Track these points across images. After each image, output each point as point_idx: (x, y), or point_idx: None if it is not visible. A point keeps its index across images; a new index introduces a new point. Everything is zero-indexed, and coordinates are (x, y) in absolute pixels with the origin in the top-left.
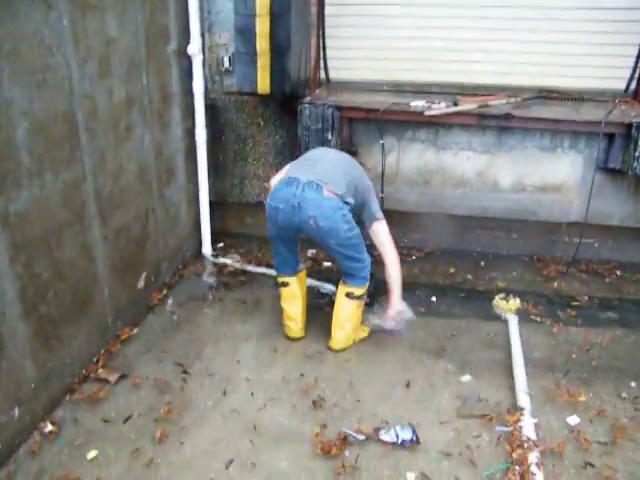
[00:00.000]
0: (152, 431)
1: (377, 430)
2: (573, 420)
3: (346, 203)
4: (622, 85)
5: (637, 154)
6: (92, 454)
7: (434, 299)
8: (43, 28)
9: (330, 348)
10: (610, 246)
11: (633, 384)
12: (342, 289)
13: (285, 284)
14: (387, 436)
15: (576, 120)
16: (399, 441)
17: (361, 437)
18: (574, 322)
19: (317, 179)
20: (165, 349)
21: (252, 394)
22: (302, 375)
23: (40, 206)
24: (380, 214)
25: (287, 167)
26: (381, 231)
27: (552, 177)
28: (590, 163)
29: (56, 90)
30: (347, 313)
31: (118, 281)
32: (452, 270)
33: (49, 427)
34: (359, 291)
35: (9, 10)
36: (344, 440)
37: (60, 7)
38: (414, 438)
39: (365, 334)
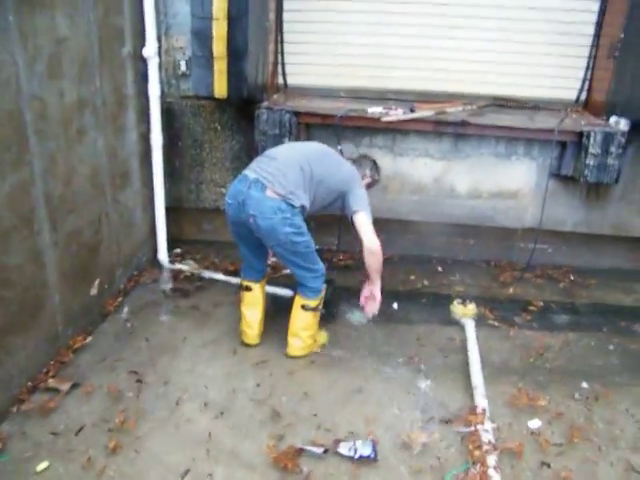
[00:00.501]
0: (105, 442)
1: (337, 442)
2: (534, 424)
3: (291, 205)
4: (574, 95)
5: (587, 162)
6: (42, 466)
7: (395, 306)
8: None
9: (287, 355)
10: (563, 251)
11: (585, 385)
12: (298, 300)
13: (248, 289)
14: (345, 449)
15: (530, 128)
16: (356, 456)
17: (319, 450)
18: (529, 326)
19: (263, 178)
20: (119, 358)
21: (206, 404)
22: (258, 385)
23: None
24: (358, 207)
25: None
26: (359, 223)
27: (507, 183)
28: (544, 170)
29: (2, 89)
30: (302, 323)
31: (70, 288)
32: (410, 276)
33: None
34: (313, 302)
35: None
36: (300, 452)
37: (6, 3)
38: (372, 455)
39: (324, 340)
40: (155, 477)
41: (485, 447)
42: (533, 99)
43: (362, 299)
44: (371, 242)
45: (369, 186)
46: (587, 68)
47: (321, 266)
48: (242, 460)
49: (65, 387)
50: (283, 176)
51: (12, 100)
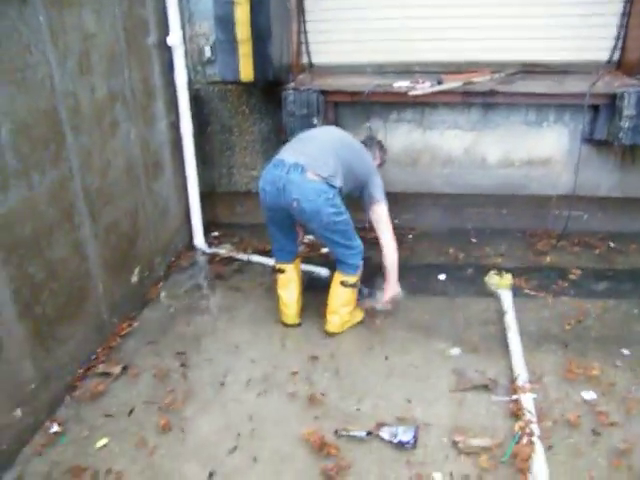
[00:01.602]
0: (155, 422)
1: (380, 425)
2: (586, 394)
3: (332, 186)
4: (605, 56)
5: (622, 124)
6: (102, 442)
7: (442, 277)
8: (19, 25)
9: (326, 332)
10: (599, 217)
11: (626, 351)
12: (337, 277)
13: (282, 271)
14: (387, 434)
15: (560, 93)
16: (396, 440)
17: (362, 433)
18: (567, 294)
19: (302, 161)
20: (164, 341)
21: (250, 384)
22: (300, 363)
23: (29, 206)
24: (379, 196)
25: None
26: (378, 214)
27: (539, 151)
28: (576, 135)
29: (37, 88)
30: (342, 300)
31: (112, 277)
32: (445, 249)
33: (54, 427)
34: (353, 279)
35: None
36: (343, 434)
37: (35, 3)
38: (412, 442)
39: (361, 317)
40: (203, 455)
41: (529, 417)
42: (563, 63)
43: (385, 297)
44: (391, 236)
45: (378, 167)
46: (620, 26)
47: (359, 242)
48: (286, 440)
49: (115, 370)
50: (322, 159)
51: (47, 99)
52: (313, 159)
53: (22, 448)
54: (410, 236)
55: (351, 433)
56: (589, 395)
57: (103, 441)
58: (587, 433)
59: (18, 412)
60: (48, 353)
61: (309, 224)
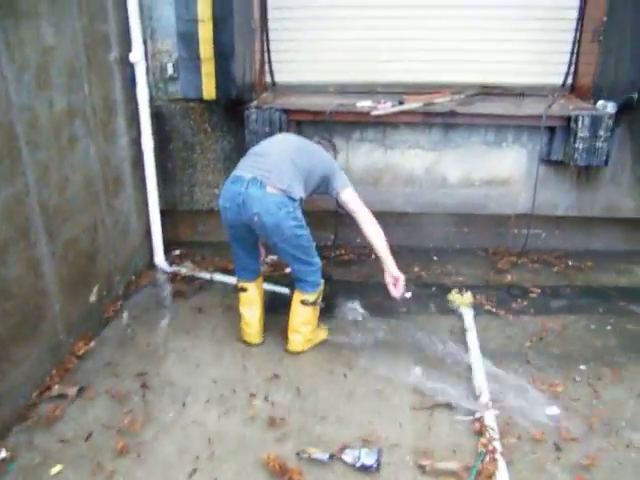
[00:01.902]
0: (113, 446)
1: (343, 448)
2: (550, 410)
3: (292, 199)
4: (560, 80)
5: (577, 145)
6: (56, 469)
7: (408, 295)
8: None
9: (288, 351)
10: (557, 235)
11: (583, 367)
12: (297, 296)
13: (244, 289)
14: (349, 457)
15: (518, 115)
16: (358, 464)
17: (324, 456)
18: (527, 311)
19: (260, 175)
20: (123, 362)
21: (210, 405)
22: (261, 383)
23: None
24: (343, 183)
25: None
26: (349, 199)
27: (499, 171)
28: (534, 156)
29: None
30: (302, 318)
31: (69, 296)
32: (407, 267)
33: (2, 453)
34: (312, 297)
35: None
36: (304, 457)
37: None
38: (375, 465)
39: (324, 335)
40: (162, 479)
41: (491, 434)
42: (520, 86)
43: (390, 288)
44: (369, 218)
45: None
46: (572, 52)
47: (318, 260)
48: (247, 463)
49: (72, 392)
50: (279, 171)
51: (2, 113)
52: (271, 172)
53: None
54: (373, 256)
55: (313, 456)
56: (552, 411)
57: (57, 468)
58: (550, 449)
59: None
60: (1, 375)
61: (270, 239)
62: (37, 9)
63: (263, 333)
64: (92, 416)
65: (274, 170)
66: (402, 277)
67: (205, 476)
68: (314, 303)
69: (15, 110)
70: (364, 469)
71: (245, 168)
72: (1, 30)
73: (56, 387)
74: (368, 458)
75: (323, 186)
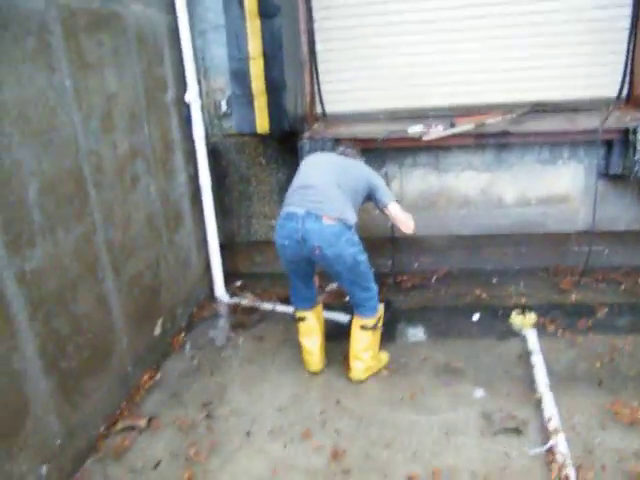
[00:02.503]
0: (180, 475)
1: None
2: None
3: (348, 226)
4: (614, 92)
5: (636, 158)
6: None
7: (475, 317)
8: (47, 90)
9: (351, 379)
10: (621, 252)
11: None
12: (356, 322)
13: (302, 319)
14: None
15: (573, 130)
16: None
17: None
18: (594, 331)
19: (313, 208)
20: (188, 393)
21: (275, 434)
22: (324, 412)
23: (54, 262)
24: (387, 199)
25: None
26: (393, 215)
27: (555, 188)
28: (592, 171)
29: (63, 148)
30: (363, 344)
31: (135, 330)
32: (466, 290)
33: None
34: (372, 321)
35: (15, 75)
36: None
37: (62, 69)
38: None
39: (385, 360)
40: None
41: (562, 462)
42: (573, 101)
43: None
44: (404, 217)
45: None
46: (626, 63)
47: (375, 285)
48: None
49: (141, 424)
50: (329, 200)
51: (72, 158)
52: (322, 203)
53: None
54: (433, 279)
55: None
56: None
57: None
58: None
59: (44, 469)
60: (73, 408)
61: (332, 268)
62: (102, 60)
63: (324, 361)
64: (160, 446)
65: (325, 200)
66: (410, 224)
67: None
68: (374, 327)
69: (83, 154)
70: None
71: (295, 203)
72: (72, 81)
73: (125, 419)
74: None
75: (368, 197)
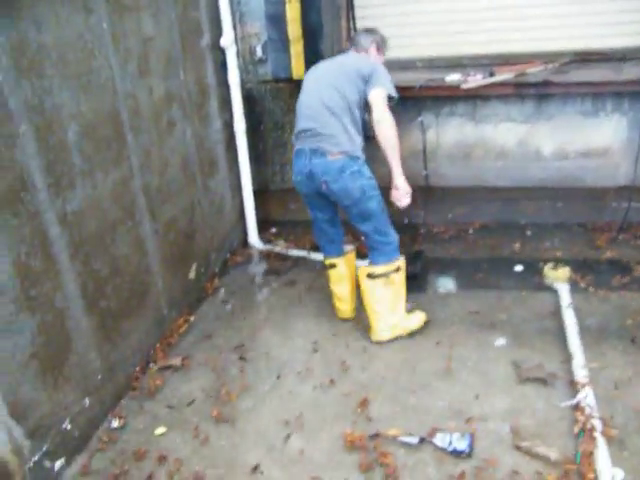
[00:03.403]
0: (212, 413)
1: (434, 431)
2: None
3: (354, 158)
4: None
5: None
6: (160, 430)
7: (519, 268)
8: (85, 32)
9: (372, 341)
10: None
11: None
12: (362, 271)
13: (332, 266)
14: (440, 441)
15: (617, 81)
16: (450, 449)
17: (414, 440)
18: (628, 288)
19: (317, 145)
20: (221, 336)
21: (305, 378)
22: (355, 355)
23: (94, 204)
24: (376, 83)
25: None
26: (372, 99)
27: (596, 142)
28: (635, 124)
29: (101, 91)
30: (375, 296)
31: (170, 273)
32: (500, 242)
33: (115, 422)
34: (381, 269)
35: (54, 17)
36: (394, 439)
37: (99, 11)
38: (467, 450)
39: (420, 322)
40: (259, 444)
41: (589, 415)
42: (620, 49)
43: (394, 199)
44: (380, 113)
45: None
46: None
47: (395, 236)
48: (338, 437)
49: (175, 363)
50: (328, 135)
51: (110, 101)
52: (322, 141)
53: (91, 435)
54: (470, 231)
55: (403, 439)
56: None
57: (161, 430)
58: None
59: (86, 401)
60: (113, 346)
61: (342, 203)
62: (139, 2)
63: (355, 307)
64: (194, 386)
65: (323, 136)
66: (408, 190)
67: (300, 442)
68: (382, 276)
69: (120, 98)
70: (456, 454)
71: (302, 139)
72: (109, 24)
73: (161, 359)
74: (460, 443)
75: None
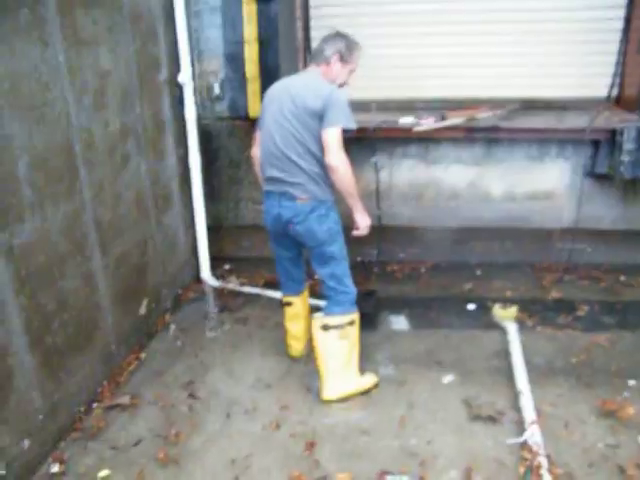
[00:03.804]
0: (160, 455)
1: (383, 475)
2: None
3: (321, 201)
4: (604, 92)
5: (622, 158)
6: (103, 473)
7: (471, 307)
8: (40, 65)
9: (323, 400)
10: (603, 250)
11: (632, 382)
12: (316, 323)
13: (289, 304)
14: None
15: (561, 128)
16: None
17: None
18: (573, 327)
19: (287, 190)
20: (171, 374)
21: (255, 417)
22: (305, 396)
23: (43, 238)
24: (331, 122)
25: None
26: (328, 144)
27: (542, 185)
28: (578, 170)
29: (54, 124)
30: (328, 350)
31: (120, 309)
32: (450, 282)
33: (55, 468)
34: (335, 320)
35: (8, 48)
36: None
37: (56, 44)
38: None
39: (372, 383)
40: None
41: (536, 452)
42: (563, 99)
43: (355, 232)
44: (333, 159)
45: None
46: (617, 64)
47: (353, 289)
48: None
49: (123, 401)
50: (299, 184)
51: (64, 134)
52: (295, 186)
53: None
54: (423, 269)
55: None
56: (604, 427)
57: (105, 472)
58: (611, 469)
59: (26, 443)
60: (57, 384)
61: (307, 244)
62: (97, 37)
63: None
64: (142, 425)
65: (294, 183)
66: (368, 223)
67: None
68: (337, 327)
69: (75, 131)
70: None
71: (270, 183)
72: (65, 57)
73: (108, 397)
74: None
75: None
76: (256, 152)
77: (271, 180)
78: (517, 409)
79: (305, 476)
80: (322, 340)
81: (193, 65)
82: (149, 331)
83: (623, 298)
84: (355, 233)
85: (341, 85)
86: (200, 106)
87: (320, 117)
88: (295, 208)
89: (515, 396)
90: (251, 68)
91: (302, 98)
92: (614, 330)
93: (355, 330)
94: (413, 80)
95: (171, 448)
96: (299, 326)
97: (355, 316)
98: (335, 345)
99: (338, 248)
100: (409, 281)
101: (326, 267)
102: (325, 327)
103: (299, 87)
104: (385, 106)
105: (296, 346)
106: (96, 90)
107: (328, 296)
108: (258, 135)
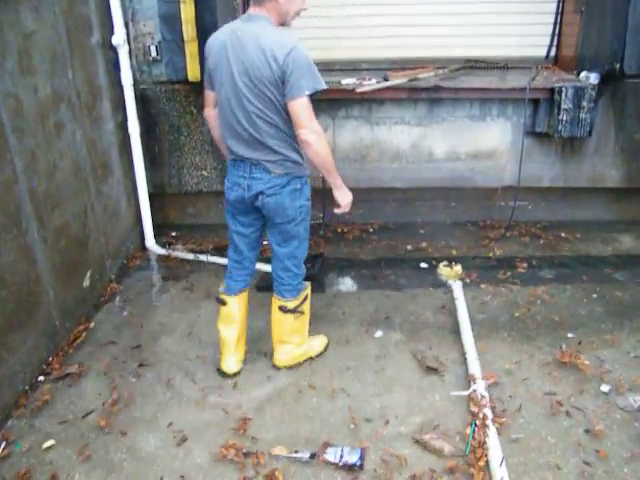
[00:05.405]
0: (110, 425)
1: (325, 446)
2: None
3: (297, 176)
4: (543, 52)
5: (560, 117)
6: (48, 443)
7: (424, 265)
8: None
9: (274, 365)
10: (543, 207)
11: (570, 335)
12: (275, 301)
13: (223, 302)
14: (331, 456)
15: (502, 88)
16: (341, 462)
17: (305, 455)
18: (515, 282)
19: (262, 163)
20: (118, 344)
21: (199, 384)
22: (252, 364)
23: None
24: (300, 90)
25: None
26: (297, 117)
27: (484, 144)
28: (519, 129)
29: None
30: (284, 327)
31: (63, 282)
32: (396, 242)
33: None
34: (292, 303)
35: None
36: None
37: None
38: (358, 463)
39: (322, 347)
40: (153, 449)
41: (481, 404)
42: (504, 59)
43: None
44: (305, 133)
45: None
46: (555, 24)
47: (303, 270)
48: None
49: (72, 370)
50: (274, 162)
51: None
52: (270, 163)
53: None
54: (371, 230)
55: (292, 455)
56: (544, 377)
57: (49, 443)
58: (545, 413)
59: None
60: None
61: (272, 220)
62: None
63: (243, 360)
64: (90, 396)
65: (269, 160)
66: (349, 199)
67: (195, 446)
68: (294, 311)
69: None
70: (348, 467)
71: (238, 148)
72: None
73: (55, 371)
74: (351, 456)
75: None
76: (210, 112)
77: (239, 148)
78: (463, 363)
79: (240, 443)
80: (278, 318)
81: (127, 27)
82: (95, 303)
83: (562, 253)
84: (336, 211)
85: (297, 14)
86: (137, 70)
87: (282, 82)
88: (269, 180)
89: (461, 351)
90: (188, 29)
91: (256, 68)
92: (554, 284)
93: (308, 303)
94: (356, 41)
95: (117, 417)
96: (232, 331)
97: (307, 290)
98: (290, 320)
99: (304, 228)
100: (357, 242)
101: (286, 246)
102: (282, 309)
103: (250, 50)
104: (327, 67)
105: (227, 356)
106: (20, 52)
107: (280, 278)
108: (209, 94)
